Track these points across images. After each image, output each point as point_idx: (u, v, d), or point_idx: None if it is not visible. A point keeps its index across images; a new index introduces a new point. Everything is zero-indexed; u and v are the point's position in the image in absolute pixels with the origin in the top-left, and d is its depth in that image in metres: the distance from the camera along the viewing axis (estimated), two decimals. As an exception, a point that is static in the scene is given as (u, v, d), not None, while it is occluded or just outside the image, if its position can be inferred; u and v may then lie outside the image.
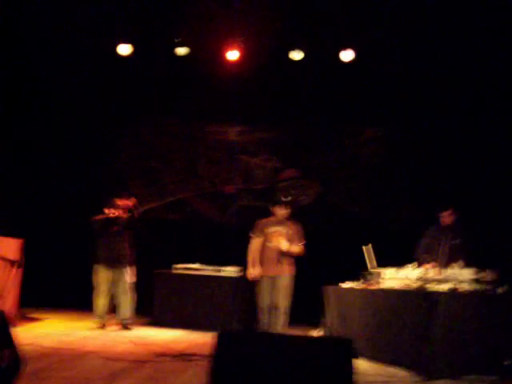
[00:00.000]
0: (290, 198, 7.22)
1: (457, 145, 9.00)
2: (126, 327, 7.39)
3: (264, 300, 6.75)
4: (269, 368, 2.86)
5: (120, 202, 7.59)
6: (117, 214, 7.45)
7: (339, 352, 2.94)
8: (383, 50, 8.87)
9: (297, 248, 6.80)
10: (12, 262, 6.98)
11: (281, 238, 6.77)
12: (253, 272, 6.86)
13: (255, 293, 6.90)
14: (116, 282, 7.43)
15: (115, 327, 7.43)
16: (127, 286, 7.45)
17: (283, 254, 6.74)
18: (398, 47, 8.78)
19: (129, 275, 7.47)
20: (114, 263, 7.39)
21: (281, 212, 6.91)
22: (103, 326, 7.38)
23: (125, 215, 7.52)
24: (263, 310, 6.73)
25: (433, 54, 8.67)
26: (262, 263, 6.84)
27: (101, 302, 7.38)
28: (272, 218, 6.98)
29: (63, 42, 9.06)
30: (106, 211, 7.46)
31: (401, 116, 9.55)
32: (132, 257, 7.58)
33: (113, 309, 7.55)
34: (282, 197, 7.25)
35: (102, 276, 7.39)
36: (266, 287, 6.76)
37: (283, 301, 6.67)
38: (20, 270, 7.13)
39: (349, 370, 2.90)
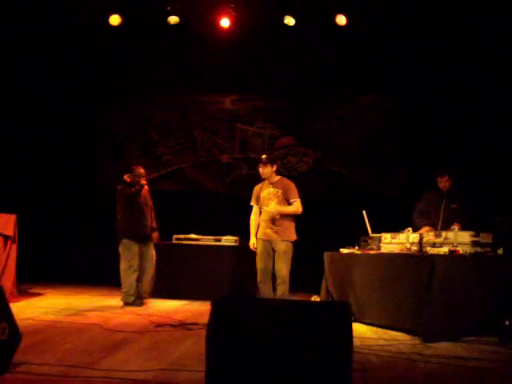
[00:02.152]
0: (265, 157, 6.74)
1: (455, 110, 8.94)
2: (143, 299, 7.24)
3: (260, 264, 6.42)
4: (265, 333, 2.85)
5: (142, 171, 7.36)
6: (143, 183, 7.25)
7: (336, 316, 2.93)
8: (378, 13, 8.74)
9: (290, 207, 6.43)
10: (8, 238, 6.96)
11: (270, 202, 6.43)
12: (252, 242, 6.59)
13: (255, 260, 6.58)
14: (143, 256, 7.28)
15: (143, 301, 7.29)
16: (152, 260, 7.36)
17: (279, 217, 6.38)
18: (394, 11, 8.65)
19: (153, 249, 7.40)
20: (143, 236, 7.25)
21: (264, 171, 6.53)
22: (135, 304, 7.05)
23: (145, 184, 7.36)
24: (260, 276, 6.41)
25: (429, 17, 8.56)
26: (260, 227, 6.55)
27: (132, 278, 7.10)
28: (265, 182, 6.66)
29: (54, 13, 8.93)
30: (127, 179, 7.22)
31: (398, 82, 9.48)
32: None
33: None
34: (261, 156, 6.85)
35: (132, 251, 7.14)
36: (261, 251, 6.44)
37: (282, 267, 6.29)
38: (15, 245, 7.11)
39: (347, 334, 2.90)
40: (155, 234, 7.56)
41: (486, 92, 8.55)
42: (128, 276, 7.12)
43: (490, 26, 8.13)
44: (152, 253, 7.37)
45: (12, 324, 3.58)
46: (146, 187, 7.45)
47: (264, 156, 6.73)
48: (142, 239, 7.25)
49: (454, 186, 6.67)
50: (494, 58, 8.39)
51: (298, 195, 6.52)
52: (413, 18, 8.63)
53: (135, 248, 7.18)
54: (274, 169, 6.61)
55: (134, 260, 7.16)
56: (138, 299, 7.15)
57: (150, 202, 7.53)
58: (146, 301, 7.32)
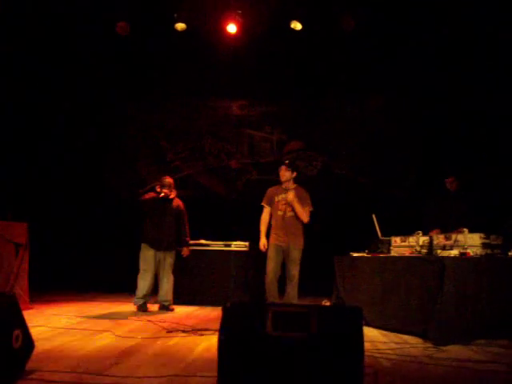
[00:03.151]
0: (289, 162, 6.94)
1: (462, 110, 8.92)
2: (167, 308, 7.34)
3: (271, 269, 6.55)
4: (277, 338, 2.86)
5: (169, 180, 7.44)
6: (165, 192, 7.29)
7: (347, 320, 2.94)
8: (383, 16, 8.74)
9: (302, 208, 6.58)
10: (20, 246, 7.00)
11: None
12: (263, 242, 6.70)
13: (265, 265, 6.71)
14: (161, 264, 7.35)
15: (155, 307, 7.42)
16: (169, 268, 7.41)
17: (292, 223, 6.59)
18: (398, 13, 8.66)
19: (172, 258, 7.44)
20: (160, 245, 7.30)
21: (285, 174, 6.73)
22: (142, 309, 7.20)
23: (172, 194, 7.41)
24: (271, 280, 6.54)
25: (435, 19, 8.55)
26: (272, 232, 6.70)
27: (145, 283, 7.22)
28: (281, 186, 6.83)
29: (64, 20, 8.98)
30: (158, 189, 7.30)
31: (404, 83, 9.47)
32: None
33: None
34: (284, 160, 7.06)
35: (148, 256, 7.25)
36: (273, 256, 6.58)
37: (295, 272, 6.53)
38: (27, 253, 7.16)
39: (358, 337, 2.90)
40: (185, 249, 7.62)
41: (494, 91, 8.52)
42: (139, 280, 7.25)
43: (494, 24, 8.12)
44: (169, 262, 7.41)
45: (25, 331, 3.61)
46: (177, 200, 7.52)
47: (287, 161, 7.00)
48: (159, 247, 7.31)
49: (462, 187, 6.68)
50: (498, 57, 8.38)
51: (311, 205, 6.71)
52: (418, 20, 8.63)
53: (150, 254, 7.27)
54: (294, 175, 6.81)
55: (148, 266, 7.24)
56: (145, 306, 7.24)
57: (182, 216, 7.53)
58: (172, 307, 7.41)
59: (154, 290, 7.46)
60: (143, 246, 7.31)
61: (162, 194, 7.26)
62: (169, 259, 7.40)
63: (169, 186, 7.36)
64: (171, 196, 7.39)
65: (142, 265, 7.26)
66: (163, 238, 7.30)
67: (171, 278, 7.45)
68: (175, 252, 7.52)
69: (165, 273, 7.38)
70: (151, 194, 7.35)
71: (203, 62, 9.79)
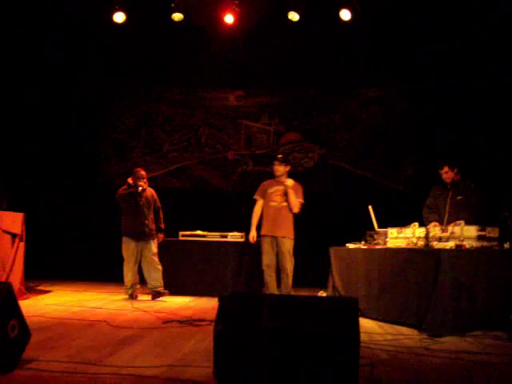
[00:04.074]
0: (281, 156, 7.11)
1: (458, 103, 8.91)
2: (159, 293, 7.43)
3: (265, 260, 6.81)
4: (272, 329, 2.86)
5: (143, 173, 7.58)
6: (141, 185, 7.44)
7: (344, 311, 2.94)
8: (382, 8, 8.71)
9: (295, 198, 6.77)
10: (15, 236, 6.99)
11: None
12: (252, 234, 6.98)
13: (261, 256, 6.92)
14: (142, 253, 7.51)
15: (144, 296, 7.58)
16: (153, 257, 7.51)
17: (284, 214, 6.78)
18: (397, 5, 8.64)
19: (154, 246, 7.55)
20: (140, 235, 7.44)
21: (278, 168, 6.91)
22: (132, 297, 7.47)
23: (144, 185, 7.55)
24: (266, 271, 6.80)
25: (432, 11, 8.53)
26: (263, 223, 6.90)
27: (129, 273, 7.48)
28: (274, 179, 7.00)
29: (59, 11, 8.94)
30: (130, 181, 7.47)
31: (401, 75, 9.45)
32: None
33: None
34: (277, 154, 7.19)
35: (129, 248, 7.47)
36: (267, 247, 6.81)
37: (287, 263, 6.71)
38: (23, 243, 7.15)
39: (354, 329, 2.91)
40: (160, 235, 7.76)
41: (492, 83, 8.51)
42: (125, 271, 7.54)
43: (493, 18, 8.12)
44: (150, 250, 7.50)
45: (21, 321, 3.60)
46: (149, 189, 7.66)
47: (280, 156, 7.19)
48: (138, 237, 7.47)
49: (459, 178, 6.64)
50: (497, 49, 8.38)
51: (303, 198, 6.90)
52: (416, 11, 8.61)
53: (131, 245, 7.49)
54: (287, 169, 6.99)
55: (130, 256, 7.48)
56: (133, 294, 7.51)
57: (157, 204, 7.72)
58: (164, 291, 7.49)
59: (142, 278, 7.64)
60: (124, 238, 7.53)
61: (140, 188, 7.40)
62: (149, 248, 7.50)
63: (143, 178, 7.52)
64: (144, 187, 7.52)
65: (125, 256, 7.51)
66: (140, 229, 7.44)
67: (156, 265, 7.53)
68: (156, 241, 7.64)
69: (147, 262, 7.51)
70: (125, 188, 7.50)
71: (200, 53, 9.76)
